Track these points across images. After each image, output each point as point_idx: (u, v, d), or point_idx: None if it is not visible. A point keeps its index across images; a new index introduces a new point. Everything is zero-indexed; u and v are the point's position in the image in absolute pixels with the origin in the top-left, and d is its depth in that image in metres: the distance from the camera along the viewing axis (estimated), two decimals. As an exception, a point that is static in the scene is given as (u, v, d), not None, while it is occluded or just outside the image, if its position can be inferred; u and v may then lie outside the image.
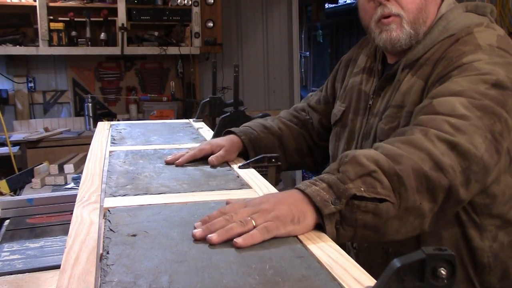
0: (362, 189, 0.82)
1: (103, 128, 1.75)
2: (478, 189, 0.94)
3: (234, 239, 0.72)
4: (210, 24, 4.33)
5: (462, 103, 0.96)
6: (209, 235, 0.73)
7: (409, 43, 1.15)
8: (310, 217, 0.79)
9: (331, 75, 1.48)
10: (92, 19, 4.00)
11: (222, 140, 1.30)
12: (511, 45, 1.08)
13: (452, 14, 1.14)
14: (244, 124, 1.42)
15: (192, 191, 1.00)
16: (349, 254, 1.26)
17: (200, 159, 1.25)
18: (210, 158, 1.22)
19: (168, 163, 1.23)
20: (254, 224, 0.75)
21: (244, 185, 1.04)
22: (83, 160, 2.56)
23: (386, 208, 0.83)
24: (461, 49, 1.07)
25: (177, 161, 1.22)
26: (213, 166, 1.20)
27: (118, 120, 4.07)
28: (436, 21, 1.15)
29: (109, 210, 0.88)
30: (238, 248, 0.71)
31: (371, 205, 0.82)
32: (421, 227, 0.90)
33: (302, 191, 0.82)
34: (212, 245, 0.72)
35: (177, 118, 3.92)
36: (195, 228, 0.76)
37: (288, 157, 1.43)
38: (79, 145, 3.62)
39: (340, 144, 1.32)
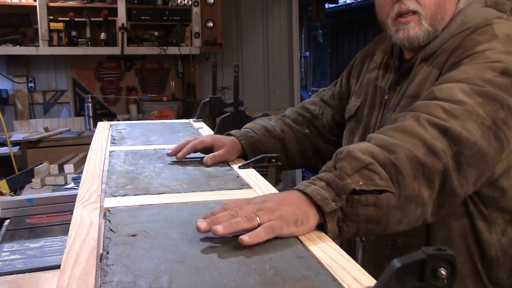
0: (360, 183, 0.81)
1: (103, 128, 1.75)
2: (475, 176, 0.92)
3: (240, 237, 0.71)
4: (210, 24, 4.33)
5: (462, 89, 0.95)
6: (214, 227, 0.72)
7: (427, 40, 1.13)
8: (312, 219, 0.79)
9: (346, 71, 1.46)
10: (92, 19, 4.00)
11: (225, 138, 1.30)
12: None
13: (470, 8, 1.13)
14: (245, 126, 1.41)
15: (192, 191, 1.00)
16: (356, 248, 1.27)
17: (199, 157, 1.25)
18: (205, 158, 1.21)
19: (170, 155, 1.24)
20: (258, 221, 0.74)
21: (244, 185, 1.04)
22: (83, 160, 2.56)
23: (386, 198, 0.83)
24: (477, 38, 1.06)
25: (178, 155, 1.23)
26: (208, 166, 1.20)
27: (118, 120, 4.07)
28: (454, 15, 1.14)
29: (109, 210, 0.88)
30: (244, 245, 0.70)
31: (371, 198, 0.82)
32: (423, 216, 0.89)
33: (302, 191, 0.82)
34: (216, 239, 0.71)
35: (177, 118, 3.92)
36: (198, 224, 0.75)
37: (291, 159, 1.42)
38: (79, 145, 3.62)
39: (355, 140, 1.30)
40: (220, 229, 0.71)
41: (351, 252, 1.27)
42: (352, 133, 1.33)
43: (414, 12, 1.11)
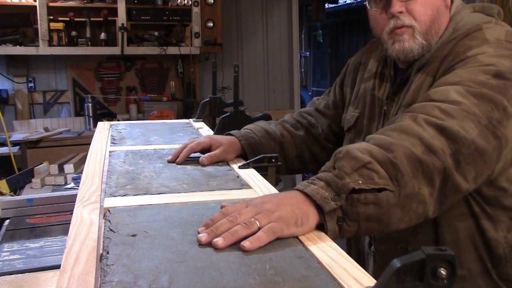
0: (360, 182, 0.82)
1: (103, 128, 1.75)
2: (474, 174, 0.93)
3: (242, 243, 0.71)
4: (210, 24, 4.33)
5: (457, 91, 0.97)
6: (214, 240, 0.72)
7: (421, 53, 1.15)
8: (312, 218, 0.79)
9: (339, 79, 1.48)
10: (92, 19, 3.99)
11: (222, 138, 1.30)
12: None
13: (460, 15, 1.16)
14: (246, 127, 1.41)
15: (192, 191, 1.00)
16: (366, 259, 1.27)
17: (199, 157, 1.25)
18: (201, 158, 1.22)
19: (170, 162, 1.23)
20: (258, 225, 0.74)
21: (244, 185, 1.04)
22: (83, 160, 2.56)
23: (386, 196, 0.84)
24: (468, 43, 1.08)
25: (177, 160, 1.23)
26: (204, 166, 1.20)
27: (118, 120, 4.07)
28: (447, 24, 1.16)
29: (109, 210, 0.88)
30: (246, 251, 0.70)
31: (370, 196, 0.82)
32: (425, 214, 0.90)
33: (301, 191, 0.82)
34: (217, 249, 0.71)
35: (177, 118, 3.91)
36: (199, 232, 0.75)
37: (289, 163, 1.43)
38: (79, 145, 3.62)
39: None
40: (220, 242, 0.71)
41: (361, 263, 1.27)
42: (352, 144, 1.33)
43: (409, 26, 1.13)
